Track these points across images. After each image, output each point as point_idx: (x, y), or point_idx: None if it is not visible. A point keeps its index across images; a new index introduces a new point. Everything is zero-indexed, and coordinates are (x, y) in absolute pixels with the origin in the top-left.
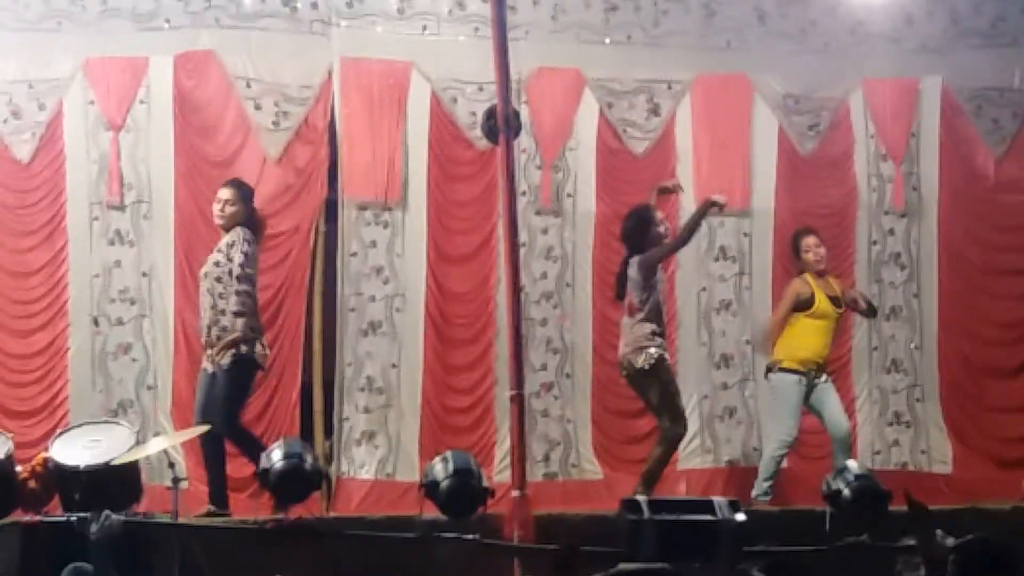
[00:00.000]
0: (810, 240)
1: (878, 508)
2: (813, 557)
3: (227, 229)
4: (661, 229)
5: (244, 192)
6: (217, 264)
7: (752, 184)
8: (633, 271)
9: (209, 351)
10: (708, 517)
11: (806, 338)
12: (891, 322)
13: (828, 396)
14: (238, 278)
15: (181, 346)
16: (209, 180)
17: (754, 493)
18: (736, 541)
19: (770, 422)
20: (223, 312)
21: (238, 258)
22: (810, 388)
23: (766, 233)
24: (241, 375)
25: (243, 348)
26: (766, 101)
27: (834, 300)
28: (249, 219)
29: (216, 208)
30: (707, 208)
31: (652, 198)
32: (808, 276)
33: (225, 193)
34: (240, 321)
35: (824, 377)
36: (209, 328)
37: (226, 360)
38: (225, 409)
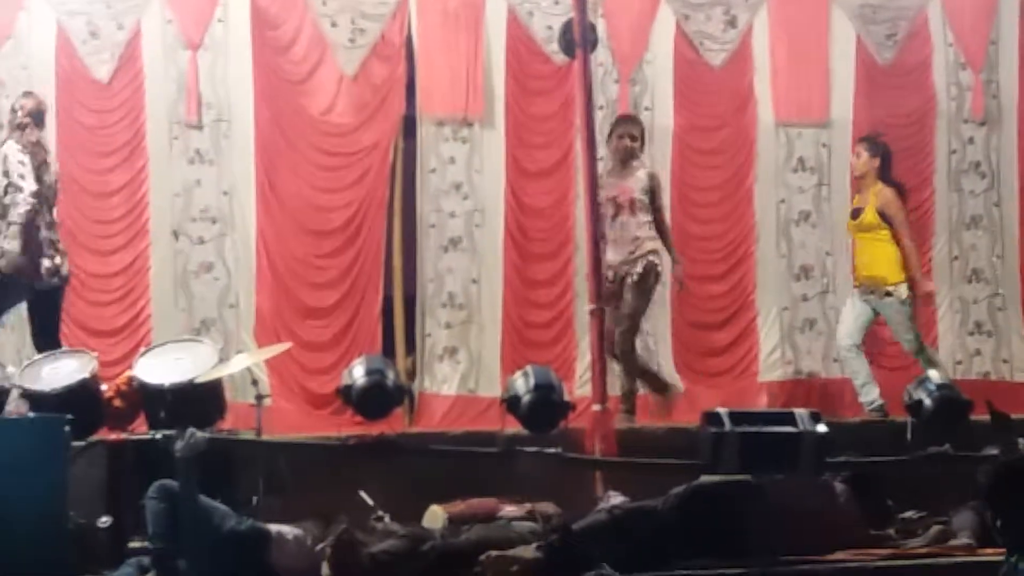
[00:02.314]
0: (856, 149)
1: (960, 418)
2: (895, 468)
3: None
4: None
5: None
6: None
7: (830, 95)
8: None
9: None
10: (789, 429)
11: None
12: (971, 231)
13: (886, 316)
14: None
15: (263, 264)
16: (287, 98)
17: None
18: (818, 453)
19: None
20: None
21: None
22: (872, 305)
23: (845, 144)
24: None
25: None
26: (843, 10)
27: (854, 212)
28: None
29: None
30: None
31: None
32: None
33: None
34: None
35: (881, 296)
36: None
37: None
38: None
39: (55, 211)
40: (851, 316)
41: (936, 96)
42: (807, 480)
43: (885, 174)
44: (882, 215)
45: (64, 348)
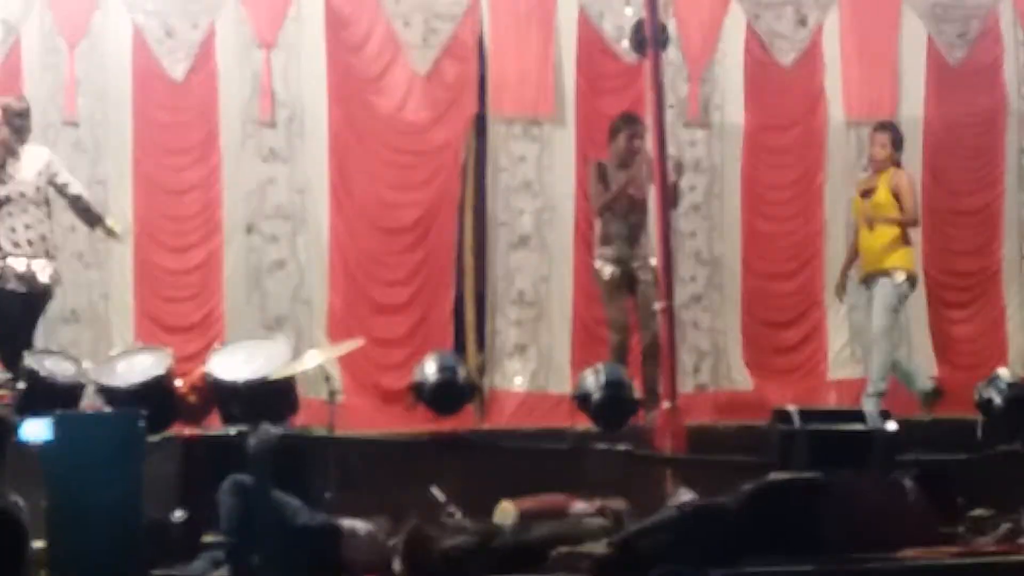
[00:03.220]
0: (877, 136)
1: None
2: (964, 466)
3: None
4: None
5: None
6: None
7: (900, 94)
8: None
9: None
10: (859, 427)
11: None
12: None
13: (876, 295)
14: None
15: (336, 261)
16: (360, 97)
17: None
18: (887, 450)
19: None
20: None
21: None
22: (871, 289)
23: (915, 142)
24: None
25: None
26: (914, 9)
27: (865, 193)
28: None
29: None
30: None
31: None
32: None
33: None
34: None
35: (879, 276)
36: None
37: None
38: None
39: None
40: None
41: (1007, 95)
42: (877, 478)
43: (897, 160)
44: (895, 196)
45: (140, 344)
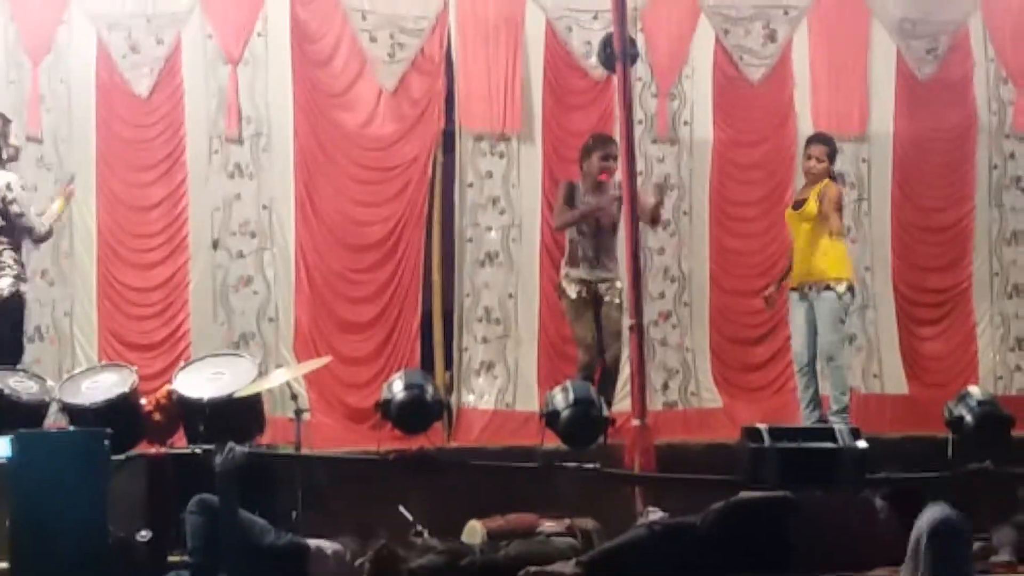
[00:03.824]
0: (814, 149)
1: (1001, 434)
2: (935, 484)
3: None
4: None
5: None
6: None
7: (870, 110)
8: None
9: None
10: (829, 444)
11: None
12: (1013, 247)
13: (818, 310)
14: None
15: (302, 278)
16: (326, 112)
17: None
18: (857, 468)
19: None
20: None
21: None
22: (810, 302)
23: (885, 159)
24: None
25: None
26: (884, 25)
27: (796, 204)
28: None
29: None
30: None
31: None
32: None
33: None
34: None
35: (820, 290)
36: None
37: None
38: None
39: None
40: (802, 330)
41: (977, 111)
42: (847, 496)
43: (832, 172)
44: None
45: (104, 362)
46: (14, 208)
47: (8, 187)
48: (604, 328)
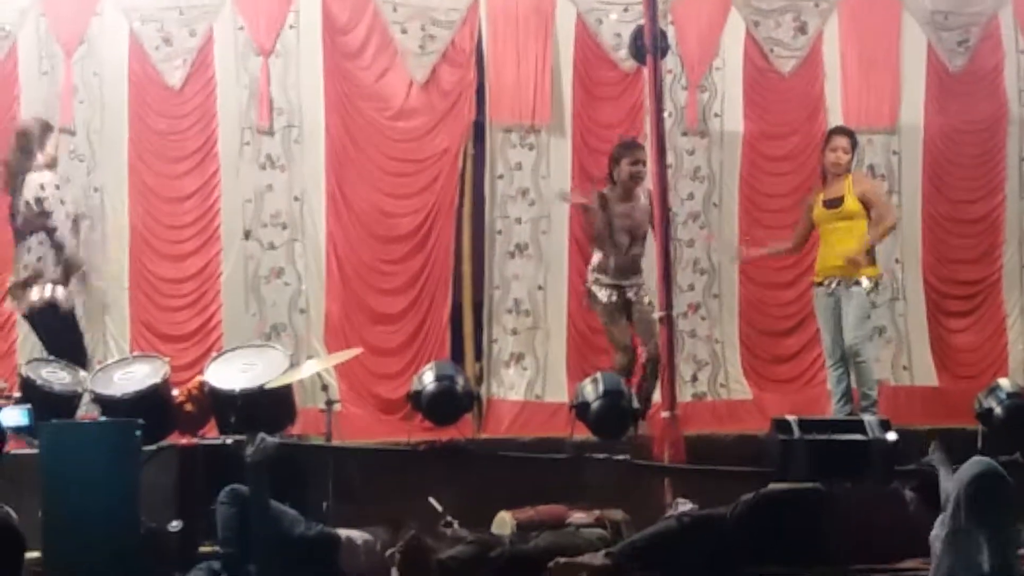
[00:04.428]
0: (840, 141)
1: None
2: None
3: None
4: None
5: None
6: None
7: (901, 102)
8: None
9: None
10: (859, 437)
11: (821, 247)
12: None
13: (845, 305)
14: None
15: (333, 270)
16: (357, 104)
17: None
18: (887, 460)
19: None
20: None
21: None
22: (837, 297)
23: (915, 151)
24: None
25: None
26: (914, 17)
27: (830, 202)
28: None
29: None
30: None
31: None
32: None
33: None
34: None
35: (848, 285)
36: None
37: None
38: None
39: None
40: (830, 325)
41: (1008, 103)
42: (876, 488)
43: (851, 164)
44: (863, 201)
45: (137, 353)
46: (44, 206)
47: (41, 187)
48: (639, 327)
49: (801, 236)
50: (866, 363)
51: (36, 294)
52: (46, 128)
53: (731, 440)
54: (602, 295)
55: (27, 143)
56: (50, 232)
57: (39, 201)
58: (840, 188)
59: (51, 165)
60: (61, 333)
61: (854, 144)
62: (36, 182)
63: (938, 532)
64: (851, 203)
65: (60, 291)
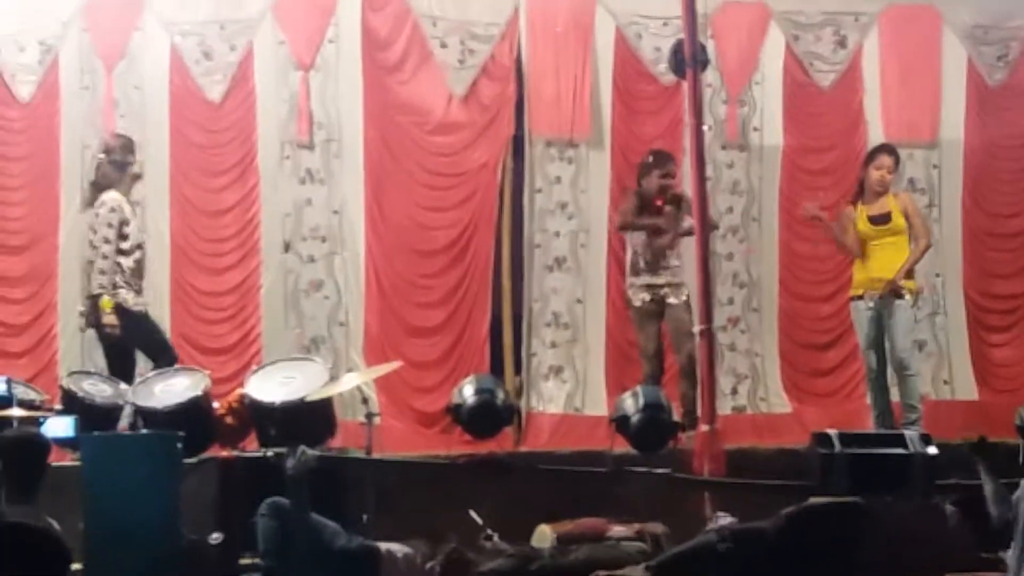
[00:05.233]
0: (885, 160)
1: None
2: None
3: None
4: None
5: None
6: None
7: (941, 116)
8: None
9: None
10: (900, 451)
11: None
12: None
13: (889, 319)
14: None
15: (372, 283)
16: (396, 118)
17: None
18: (928, 475)
19: None
20: None
21: None
22: (879, 311)
23: (955, 165)
24: None
25: None
26: (954, 31)
27: (877, 219)
28: None
29: None
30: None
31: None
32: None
33: None
34: None
35: (892, 299)
36: None
37: None
38: None
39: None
40: (871, 339)
41: None
42: (917, 503)
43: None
44: (905, 217)
45: (177, 366)
46: (120, 226)
47: (112, 210)
48: (674, 330)
49: (860, 248)
50: (913, 377)
51: (109, 306)
52: (125, 146)
53: (771, 454)
54: (636, 299)
55: (121, 159)
56: (123, 251)
57: (121, 222)
58: (885, 204)
59: (135, 179)
60: (148, 335)
61: (898, 162)
62: (116, 199)
63: (1013, 551)
64: (898, 219)
65: (131, 297)
